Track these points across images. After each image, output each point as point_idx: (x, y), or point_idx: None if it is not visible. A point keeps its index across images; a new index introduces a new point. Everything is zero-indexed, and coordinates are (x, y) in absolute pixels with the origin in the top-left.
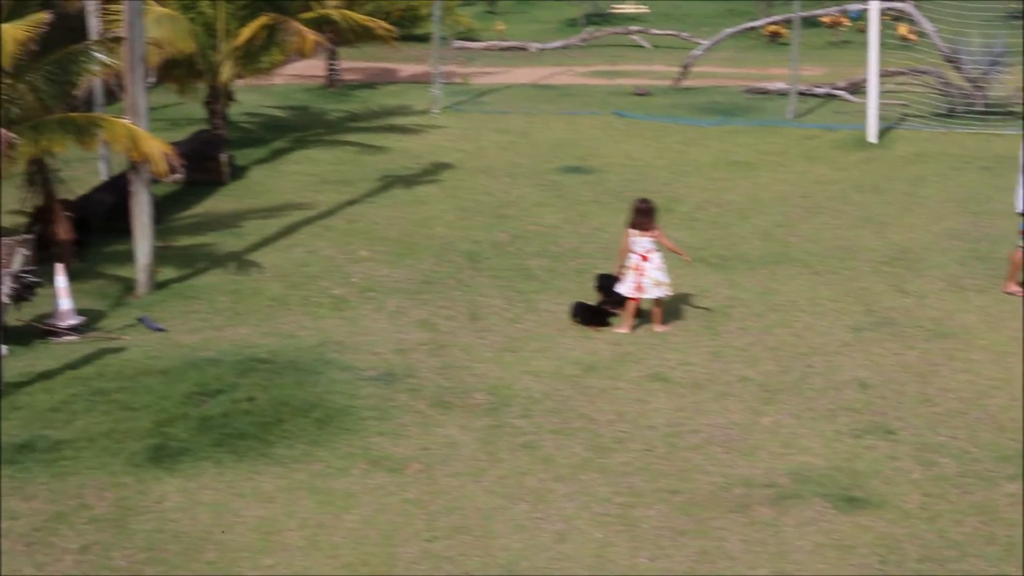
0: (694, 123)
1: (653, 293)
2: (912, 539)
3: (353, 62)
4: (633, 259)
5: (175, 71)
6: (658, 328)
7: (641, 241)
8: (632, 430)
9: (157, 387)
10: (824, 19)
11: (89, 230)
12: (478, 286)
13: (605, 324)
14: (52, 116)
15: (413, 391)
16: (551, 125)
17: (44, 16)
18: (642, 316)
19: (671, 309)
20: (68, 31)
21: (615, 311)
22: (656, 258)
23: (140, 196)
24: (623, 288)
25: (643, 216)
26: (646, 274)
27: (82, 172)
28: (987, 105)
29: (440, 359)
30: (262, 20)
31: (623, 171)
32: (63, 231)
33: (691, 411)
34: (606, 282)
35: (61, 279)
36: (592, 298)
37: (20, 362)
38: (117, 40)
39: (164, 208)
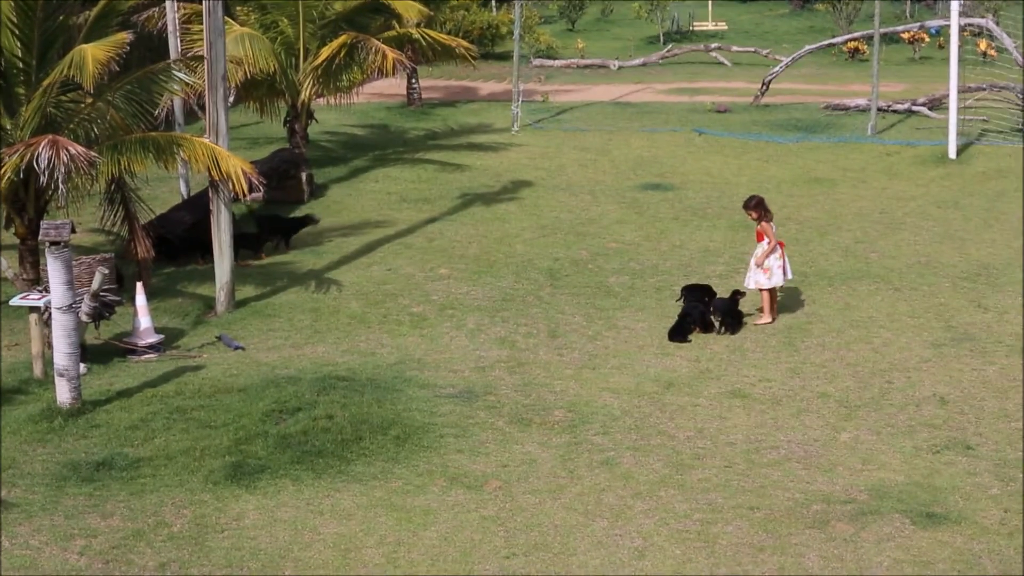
0: (774, 140)
1: (789, 275)
2: (991, 554)
3: (433, 81)
4: (778, 249)
5: (255, 90)
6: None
7: (776, 231)
8: (711, 446)
9: (236, 405)
10: (904, 35)
11: (170, 249)
12: (557, 303)
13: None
14: (132, 135)
15: (492, 408)
16: (631, 142)
17: (125, 36)
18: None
19: (752, 326)
20: (148, 51)
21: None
22: None
23: (220, 215)
24: (777, 279)
25: (768, 209)
26: (785, 259)
27: (162, 191)
28: None
29: (519, 376)
30: (342, 39)
31: (703, 188)
32: (142, 250)
33: (770, 427)
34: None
35: (140, 298)
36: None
37: (99, 380)
38: (198, 59)
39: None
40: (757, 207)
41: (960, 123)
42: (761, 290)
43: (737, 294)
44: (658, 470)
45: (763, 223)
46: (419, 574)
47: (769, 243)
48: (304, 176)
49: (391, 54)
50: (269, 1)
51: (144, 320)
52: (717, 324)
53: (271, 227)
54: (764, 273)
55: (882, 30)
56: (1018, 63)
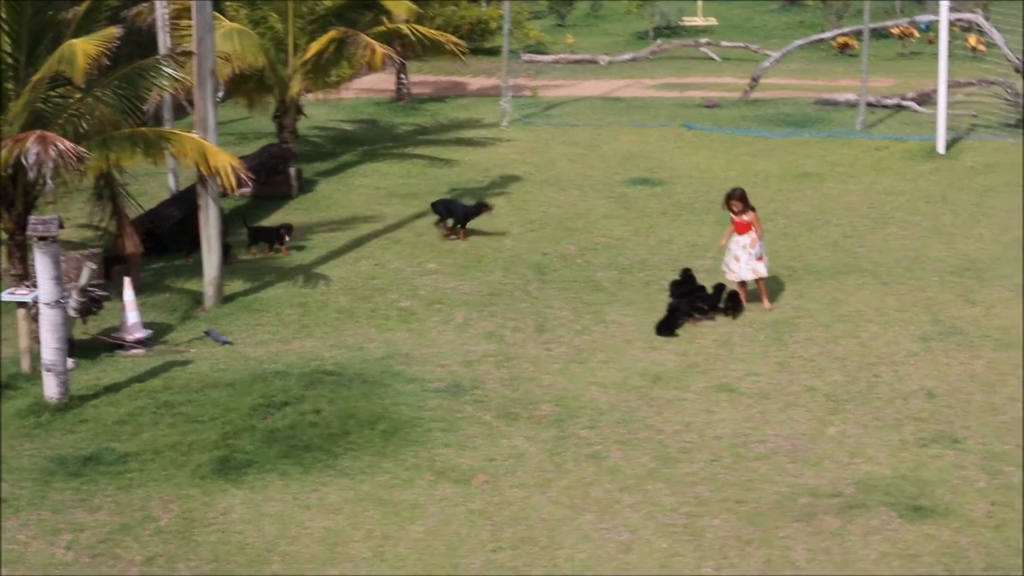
0: (763, 135)
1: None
2: (978, 547)
3: (422, 76)
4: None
5: (244, 85)
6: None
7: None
8: (698, 440)
9: (223, 400)
10: (894, 30)
11: (159, 244)
12: (545, 298)
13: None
14: (121, 131)
15: (479, 403)
16: (620, 137)
17: (114, 31)
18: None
19: (741, 320)
20: (137, 46)
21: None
22: None
23: (208, 210)
24: (763, 268)
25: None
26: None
27: (151, 186)
28: None
29: (507, 371)
30: (332, 34)
31: (691, 183)
32: (131, 245)
33: (757, 421)
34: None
35: (128, 292)
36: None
37: (87, 375)
38: (187, 54)
39: (232, 222)
40: (742, 198)
41: (949, 118)
42: (759, 280)
43: (722, 288)
44: (645, 464)
45: (751, 213)
46: (406, 568)
47: (756, 232)
48: (292, 171)
49: (379, 49)
50: None
51: (132, 315)
52: (725, 310)
53: (453, 212)
54: (760, 262)
55: (872, 25)
56: (1008, 59)
